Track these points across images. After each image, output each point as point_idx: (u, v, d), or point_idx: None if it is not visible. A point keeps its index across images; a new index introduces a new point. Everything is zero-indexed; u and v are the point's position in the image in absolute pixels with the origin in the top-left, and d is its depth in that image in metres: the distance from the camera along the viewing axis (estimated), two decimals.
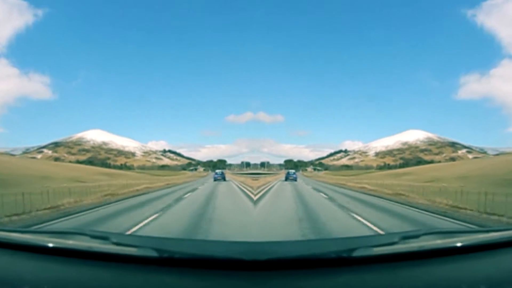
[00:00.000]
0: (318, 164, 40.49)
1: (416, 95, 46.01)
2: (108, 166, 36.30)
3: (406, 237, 1.86)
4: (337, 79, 44.56)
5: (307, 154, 43.68)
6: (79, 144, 37.86)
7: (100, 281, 1.51)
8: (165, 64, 43.14)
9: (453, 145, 40.13)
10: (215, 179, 31.91)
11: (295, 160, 39.62)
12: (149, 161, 37.73)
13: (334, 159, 40.85)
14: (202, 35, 41.37)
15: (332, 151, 40.93)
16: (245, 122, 37.60)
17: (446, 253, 1.73)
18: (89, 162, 35.87)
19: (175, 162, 38.45)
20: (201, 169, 38.13)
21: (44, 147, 36.55)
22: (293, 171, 34.70)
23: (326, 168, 40.20)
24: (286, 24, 41.24)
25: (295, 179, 32.61)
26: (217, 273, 1.53)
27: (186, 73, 42.86)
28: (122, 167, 36.53)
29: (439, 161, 40.19)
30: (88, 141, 38.32)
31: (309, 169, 39.96)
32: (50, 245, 1.78)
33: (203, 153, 39.76)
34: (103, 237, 1.85)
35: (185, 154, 39.06)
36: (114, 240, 1.78)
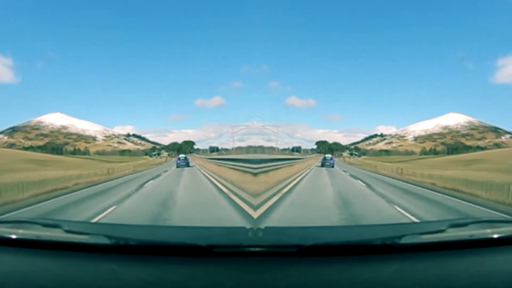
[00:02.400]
0: (354, 149, 37.73)
1: (452, 78, 43.64)
2: (60, 152, 33.88)
3: (454, 225, 1.82)
4: (370, 62, 42.04)
5: (339, 139, 41.31)
6: (37, 129, 36.34)
7: (48, 270, 1.46)
8: (137, 45, 40.49)
9: (496, 130, 37.91)
10: (178, 165, 28.52)
11: (330, 142, 36.88)
12: (110, 145, 34.31)
13: (369, 144, 38.03)
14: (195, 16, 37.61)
15: (365, 135, 38.44)
16: (213, 106, 34.39)
17: (497, 243, 1.67)
18: (39, 147, 33.44)
19: (138, 147, 34.96)
20: (165, 154, 34.37)
21: (1, 132, 35.25)
22: (329, 156, 31.33)
23: (363, 153, 37.51)
24: (317, 6, 38.08)
25: (332, 165, 28.68)
26: (174, 260, 1.48)
27: (157, 55, 40.16)
28: (75, 152, 33.73)
29: (485, 147, 37.62)
30: (47, 125, 36.62)
31: (345, 154, 37.14)
32: None
33: (170, 138, 37.35)
34: (55, 225, 1.81)
35: (152, 139, 35.60)
36: (66, 228, 1.74)
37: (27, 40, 39.09)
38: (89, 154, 33.32)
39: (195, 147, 33.70)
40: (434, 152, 37.63)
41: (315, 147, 36.43)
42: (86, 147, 33.80)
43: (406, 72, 43.70)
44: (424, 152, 37.45)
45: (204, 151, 33.29)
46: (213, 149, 32.39)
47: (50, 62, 38.51)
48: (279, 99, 36.84)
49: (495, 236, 1.72)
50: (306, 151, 35.67)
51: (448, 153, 37.31)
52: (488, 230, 1.79)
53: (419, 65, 43.44)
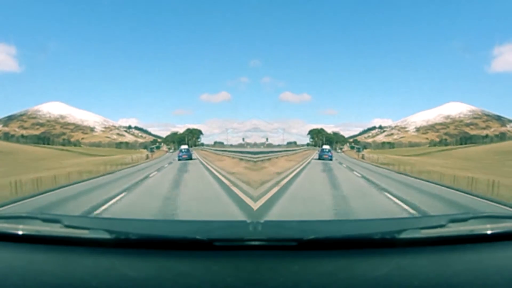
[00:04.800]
0: (354, 142, 36.15)
1: (450, 68, 43.97)
2: (47, 142, 32.85)
3: (453, 220, 1.82)
4: (364, 55, 42.41)
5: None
6: (34, 118, 34.29)
7: (48, 265, 1.48)
8: (144, 38, 39.80)
9: (500, 119, 36.83)
10: (180, 158, 26.15)
11: (329, 131, 34.34)
12: (108, 137, 33.33)
13: (369, 137, 37.05)
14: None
15: (362, 129, 37.42)
16: (219, 101, 33.67)
17: (497, 238, 1.67)
18: (29, 137, 32.38)
19: (137, 139, 33.89)
20: (165, 147, 33.34)
21: None
22: (327, 147, 29.08)
23: (365, 146, 35.97)
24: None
25: (330, 158, 26.06)
26: (175, 254, 1.50)
27: (163, 49, 39.37)
28: (64, 143, 32.63)
29: (503, 136, 36.49)
30: (44, 115, 34.18)
31: (345, 147, 35.56)
32: None
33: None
34: (55, 220, 1.83)
35: (155, 133, 34.54)
36: (66, 223, 1.76)
37: (31, 28, 38.15)
38: (80, 146, 32.25)
39: (200, 141, 31.87)
40: (444, 143, 36.79)
41: (310, 141, 33.87)
42: (80, 138, 32.80)
43: (402, 63, 43.84)
44: (433, 144, 36.61)
45: (208, 145, 31.79)
46: (218, 144, 31.07)
47: (55, 52, 37.97)
48: (273, 95, 36.31)
49: (495, 231, 1.71)
50: (302, 146, 33.67)
51: (461, 143, 36.46)
52: (488, 226, 1.79)
53: (415, 56, 43.66)
